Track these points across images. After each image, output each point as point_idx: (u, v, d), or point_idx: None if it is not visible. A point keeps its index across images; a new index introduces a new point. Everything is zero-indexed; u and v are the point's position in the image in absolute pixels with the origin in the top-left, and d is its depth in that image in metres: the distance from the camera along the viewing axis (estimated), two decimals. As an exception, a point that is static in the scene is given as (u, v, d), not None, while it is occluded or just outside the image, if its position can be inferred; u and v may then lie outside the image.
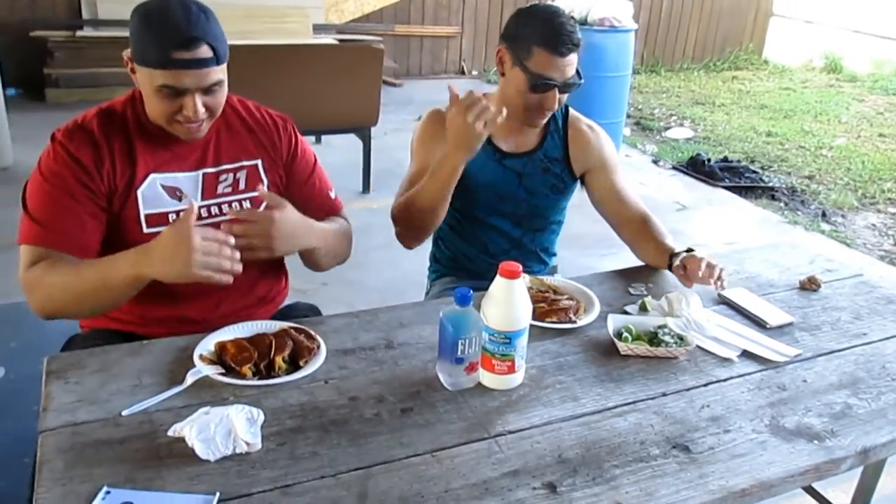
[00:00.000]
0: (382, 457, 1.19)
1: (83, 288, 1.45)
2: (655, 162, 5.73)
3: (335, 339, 1.50)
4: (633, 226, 1.92)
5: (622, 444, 1.26)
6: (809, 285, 1.85)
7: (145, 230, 1.55)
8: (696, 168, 5.43)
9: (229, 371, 1.36)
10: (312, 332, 1.48)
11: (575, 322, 1.60)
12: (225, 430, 1.17)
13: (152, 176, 1.56)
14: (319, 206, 1.80)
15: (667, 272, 1.83)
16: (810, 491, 2.00)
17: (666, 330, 1.55)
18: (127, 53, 1.49)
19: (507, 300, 1.32)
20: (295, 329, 1.48)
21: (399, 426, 1.26)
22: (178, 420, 1.20)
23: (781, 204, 5.00)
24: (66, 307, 1.49)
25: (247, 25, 6.21)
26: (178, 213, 1.57)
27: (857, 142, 6.41)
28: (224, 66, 1.50)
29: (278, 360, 1.38)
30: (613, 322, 1.57)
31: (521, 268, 1.33)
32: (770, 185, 5.24)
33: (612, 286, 1.80)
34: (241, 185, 1.65)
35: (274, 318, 1.69)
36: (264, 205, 1.52)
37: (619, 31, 5.26)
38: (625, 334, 1.54)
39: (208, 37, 1.44)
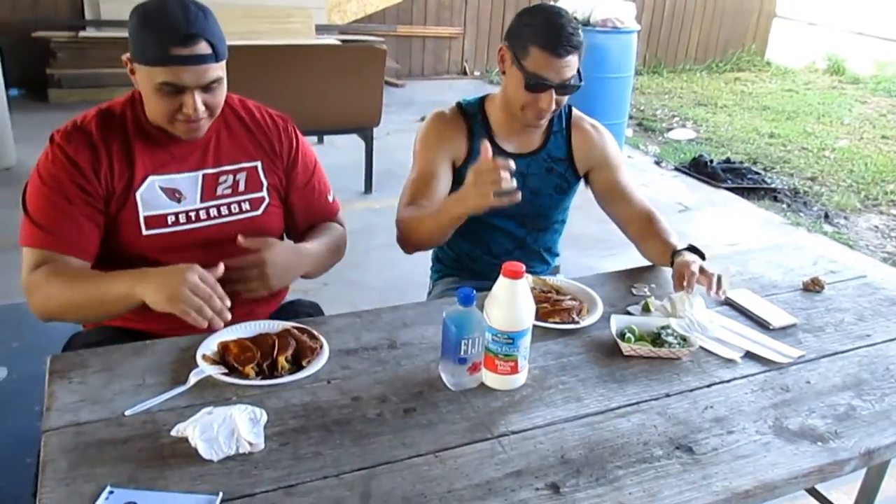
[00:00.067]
0: (385, 457, 1.19)
1: (81, 299, 1.47)
2: (658, 163, 5.72)
3: (338, 338, 1.50)
4: (639, 223, 1.92)
5: (625, 445, 1.26)
6: (813, 287, 1.85)
7: (144, 232, 1.55)
8: (699, 169, 5.42)
9: (232, 371, 1.36)
10: (315, 332, 1.48)
11: (578, 322, 1.60)
12: (228, 430, 1.17)
13: (151, 178, 1.56)
14: (317, 210, 1.81)
15: (669, 273, 1.82)
16: (813, 493, 2.00)
17: (669, 331, 1.55)
18: (126, 56, 1.50)
19: (511, 300, 1.32)
20: (298, 329, 1.48)
21: (402, 426, 1.26)
22: (182, 420, 1.20)
23: (784, 205, 5.00)
24: (64, 315, 1.53)
25: (250, 26, 6.22)
26: (176, 214, 1.58)
27: (859, 144, 6.41)
28: (223, 64, 1.51)
29: (281, 359, 1.38)
30: (616, 323, 1.57)
31: (524, 268, 1.33)
32: (772, 186, 5.23)
33: (614, 287, 1.80)
34: (241, 187, 1.65)
35: (275, 315, 1.69)
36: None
37: (621, 32, 5.27)
38: (628, 335, 1.53)
39: (206, 33, 1.45)
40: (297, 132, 1.77)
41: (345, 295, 3.15)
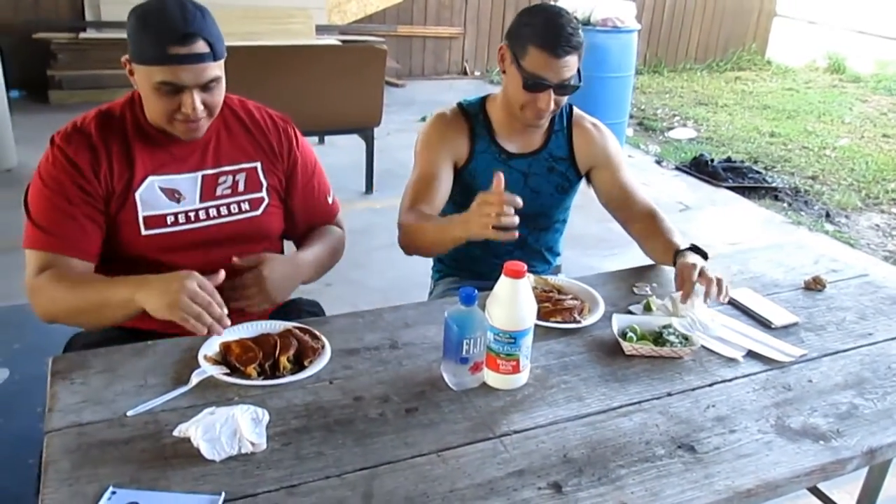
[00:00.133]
0: (387, 457, 1.19)
1: (83, 305, 1.48)
2: (658, 162, 5.72)
3: (340, 338, 1.50)
4: (642, 222, 1.91)
5: (627, 444, 1.25)
6: (814, 285, 1.85)
7: (143, 232, 1.56)
8: (700, 168, 5.42)
9: (234, 371, 1.36)
10: (317, 332, 1.48)
11: (579, 322, 1.60)
12: (230, 430, 1.17)
13: (150, 178, 1.56)
14: (316, 212, 1.81)
15: (670, 272, 1.82)
16: (815, 492, 2.00)
17: (671, 330, 1.55)
18: (125, 57, 1.50)
19: (512, 300, 1.32)
20: (299, 329, 1.48)
21: (404, 426, 1.26)
22: (184, 420, 1.20)
23: (785, 204, 5.00)
24: (67, 319, 1.54)
25: (250, 26, 6.22)
26: (176, 214, 1.58)
27: (860, 142, 6.40)
28: (221, 64, 1.51)
29: (283, 360, 1.39)
30: (618, 322, 1.57)
31: (525, 267, 1.33)
32: (773, 185, 5.23)
33: (616, 286, 1.80)
34: (241, 187, 1.66)
35: (276, 315, 1.69)
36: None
37: (622, 31, 5.26)
38: (629, 334, 1.53)
39: (204, 32, 1.45)
40: (297, 133, 1.77)
41: (346, 295, 3.15)
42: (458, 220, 1.60)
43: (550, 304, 1.63)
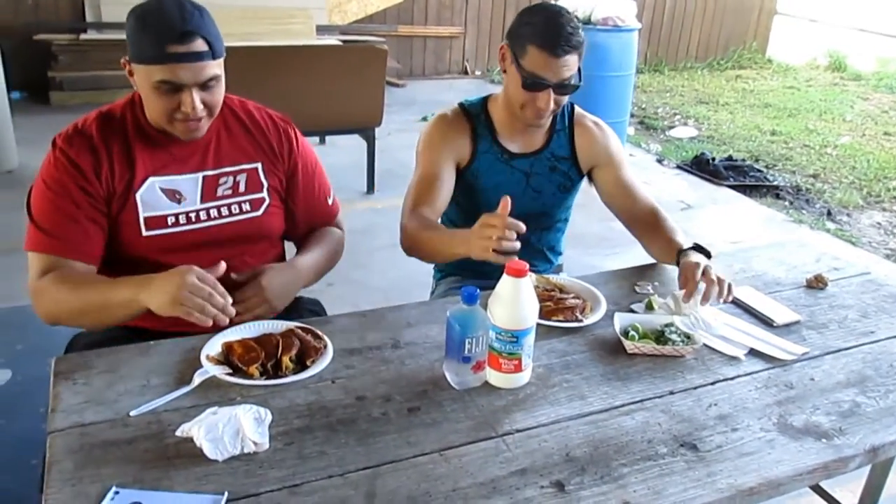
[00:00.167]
0: (390, 456, 1.19)
1: (85, 306, 1.49)
2: (659, 161, 5.72)
3: (342, 338, 1.50)
4: (644, 221, 1.91)
5: (630, 443, 1.26)
6: (816, 283, 1.85)
7: (144, 233, 1.56)
8: (701, 167, 5.42)
9: (236, 371, 1.36)
10: (319, 332, 1.48)
11: (581, 321, 1.60)
12: (233, 429, 1.17)
13: (151, 179, 1.57)
14: (317, 212, 1.82)
15: (672, 271, 1.82)
16: (818, 490, 2.00)
17: (673, 328, 1.55)
18: (124, 58, 1.51)
19: (514, 299, 1.32)
20: (302, 329, 1.48)
21: (406, 425, 1.26)
22: (186, 420, 1.20)
23: (786, 203, 4.99)
24: (70, 320, 1.55)
25: (250, 27, 6.22)
26: (176, 215, 1.58)
27: (861, 140, 6.40)
28: (220, 62, 1.51)
29: (285, 359, 1.39)
30: (620, 321, 1.57)
31: (527, 266, 1.33)
32: (775, 183, 5.23)
33: (618, 285, 1.80)
34: (241, 188, 1.66)
35: (278, 314, 1.69)
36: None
37: (622, 30, 5.26)
38: (631, 333, 1.53)
39: (203, 31, 1.46)
40: (298, 133, 1.77)
41: (347, 295, 3.15)
42: (460, 239, 1.57)
43: (552, 303, 1.63)
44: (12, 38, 6.03)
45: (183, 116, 1.49)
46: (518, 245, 1.45)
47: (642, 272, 1.87)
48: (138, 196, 1.55)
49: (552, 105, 1.78)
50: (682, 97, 7.79)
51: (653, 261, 1.91)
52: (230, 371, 1.36)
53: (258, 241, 1.71)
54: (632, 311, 1.67)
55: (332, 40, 6.79)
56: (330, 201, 1.85)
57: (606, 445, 1.25)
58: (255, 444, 1.17)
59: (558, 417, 1.31)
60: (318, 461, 1.17)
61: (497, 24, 8.18)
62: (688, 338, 1.53)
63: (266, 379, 1.36)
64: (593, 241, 3.73)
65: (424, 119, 6.20)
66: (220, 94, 1.54)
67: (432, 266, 2.21)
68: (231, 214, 1.64)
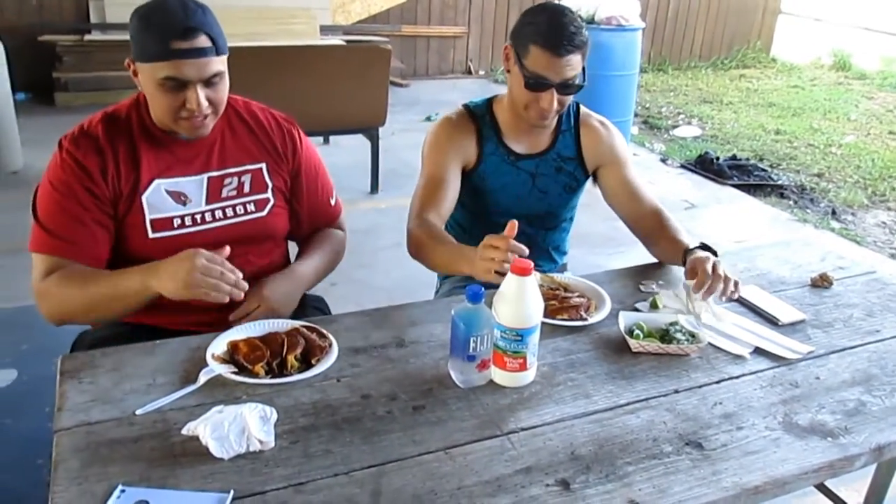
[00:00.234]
0: (395, 454, 1.19)
1: (94, 300, 1.50)
2: (663, 160, 5.72)
3: (347, 337, 1.50)
4: (648, 221, 1.91)
5: (635, 442, 1.25)
6: (821, 282, 1.85)
7: (150, 235, 1.56)
8: (705, 166, 5.42)
9: (242, 370, 1.37)
10: (324, 331, 1.48)
11: (586, 319, 1.60)
12: (238, 428, 1.17)
13: (157, 181, 1.57)
14: (320, 213, 1.83)
15: (677, 270, 1.82)
16: (823, 489, 1.99)
17: (677, 327, 1.55)
18: (128, 59, 1.51)
19: (519, 297, 1.32)
20: (307, 327, 1.49)
21: (412, 424, 1.26)
22: (192, 419, 1.20)
23: (791, 202, 4.98)
24: (79, 317, 1.56)
25: (254, 27, 6.23)
26: (182, 217, 1.59)
27: (866, 139, 6.38)
28: (224, 59, 1.52)
29: (290, 358, 1.39)
30: (625, 319, 1.57)
31: (532, 265, 1.32)
32: (779, 183, 5.22)
33: (622, 284, 1.80)
34: (246, 189, 1.66)
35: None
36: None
37: (626, 29, 5.26)
38: (636, 331, 1.53)
39: (206, 27, 1.47)
40: (302, 134, 1.78)
41: (351, 294, 3.16)
42: (465, 258, 1.56)
43: (557, 302, 1.63)
44: (17, 39, 6.04)
45: (188, 114, 1.50)
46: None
47: (647, 271, 1.87)
48: (144, 198, 1.56)
49: (556, 105, 1.77)
50: (685, 96, 7.78)
51: (658, 260, 1.91)
52: (235, 370, 1.36)
53: (263, 242, 1.71)
54: (636, 309, 1.66)
55: (336, 40, 6.80)
56: (333, 202, 1.86)
57: (611, 444, 1.25)
58: (260, 442, 1.17)
59: (563, 416, 1.31)
60: (324, 459, 1.17)
61: (500, 24, 8.18)
62: (693, 336, 1.53)
63: (271, 377, 1.36)
64: (598, 240, 3.72)
65: (428, 119, 6.20)
66: (224, 91, 1.55)
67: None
68: (236, 215, 1.65)
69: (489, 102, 1.96)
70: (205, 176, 1.62)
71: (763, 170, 5.41)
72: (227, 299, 1.41)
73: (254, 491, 1.10)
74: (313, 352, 1.42)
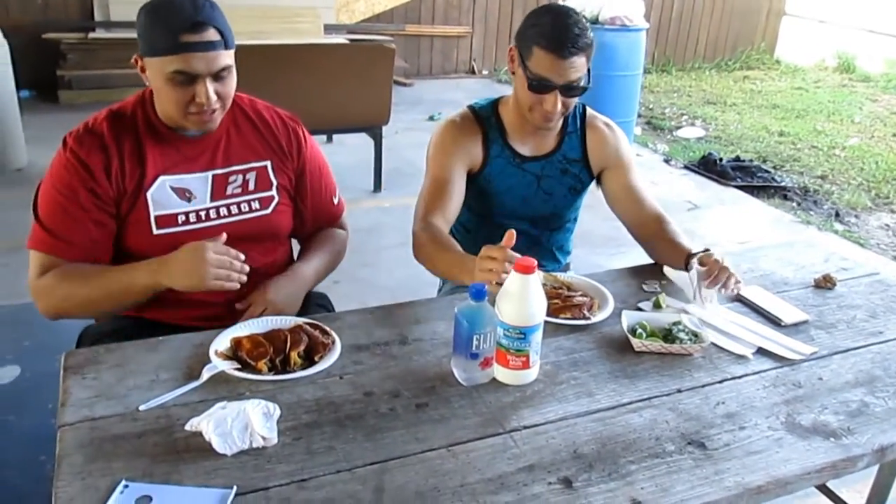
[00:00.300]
0: (398, 451, 1.19)
1: (99, 296, 1.52)
2: (667, 161, 5.71)
3: (350, 334, 1.50)
4: (649, 226, 1.90)
5: (637, 440, 1.26)
6: (824, 283, 1.85)
7: (155, 231, 1.57)
8: (708, 167, 5.41)
9: (245, 366, 1.37)
10: (327, 328, 1.48)
11: (589, 318, 1.60)
12: (241, 424, 1.17)
13: (161, 178, 1.57)
14: (323, 211, 1.83)
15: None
16: (825, 490, 1.99)
17: (680, 327, 1.54)
18: (135, 56, 1.52)
19: (522, 295, 1.32)
20: (310, 324, 1.49)
21: (414, 421, 1.27)
22: (195, 415, 1.21)
23: (794, 204, 4.98)
24: (80, 312, 1.58)
25: (258, 25, 6.24)
26: (187, 214, 1.59)
27: (870, 142, 6.37)
28: (232, 53, 1.53)
29: (293, 355, 1.39)
30: (628, 318, 1.57)
31: (535, 263, 1.32)
32: (782, 184, 5.21)
33: (625, 283, 1.80)
34: (251, 186, 1.67)
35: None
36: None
37: (630, 30, 5.26)
38: (639, 331, 1.53)
39: (214, 21, 1.47)
40: (306, 133, 1.78)
41: (355, 293, 3.16)
42: (465, 268, 1.55)
43: (560, 301, 1.63)
44: (21, 37, 6.05)
45: (197, 108, 1.50)
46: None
47: (650, 271, 1.87)
48: (149, 195, 1.56)
49: (560, 107, 1.75)
50: (689, 97, 7.78)
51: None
52: (239, 366, 1.37)
53: (267, 240, 1.72)
54: (639, 309, 1.66)
55: (340, 39, 6.80)
56: (335, 201, 1.86)
57: (614, 442, 1.25)
58: (263, 438, 1.17)
59: (566, 414, 1.31)
60: (327, 456, 1.17)
61: (504, 24, 8.18)
62: (696, 336, 1.53)
63: (274, 374, 1.36)
64: (600, 240, 3.72)
65: (431, 118, 6.20)
66: (232, 85, 1.55)
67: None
68: (241, 213, 1.65)
69: (494, 104, 1.95)
70: (210, 173, 1.62)
71: (766, 171, 5.40)
72: (237, 286, 1.48)
73: (256, 487, 1.10)
74: (316, 349, 1.42)
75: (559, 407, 1.33)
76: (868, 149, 6.15)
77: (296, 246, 1.86)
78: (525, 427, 1.27)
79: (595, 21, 5.15)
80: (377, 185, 4.73)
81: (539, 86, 1.73)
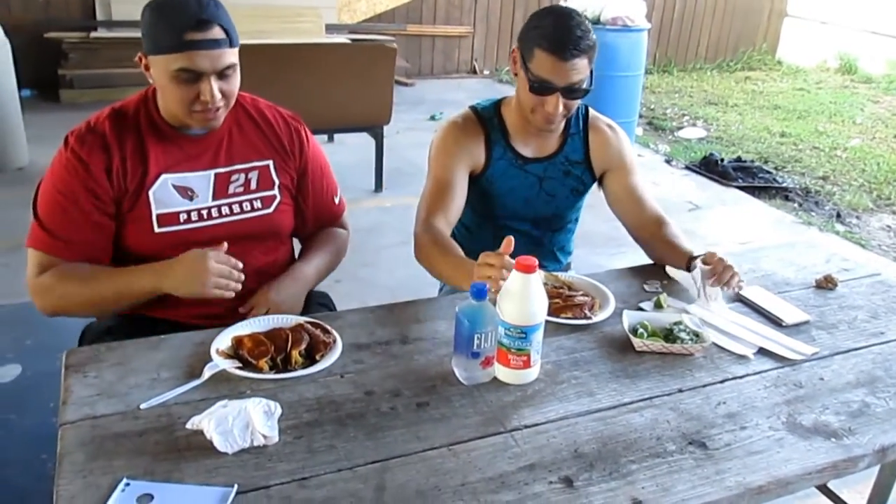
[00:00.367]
0: (399, 450, 1.19)
1: (97, 297, 1.53)
2: (668, 161, 5.71)
3: (351, 333, 1.50)
4: (649, 228, 1.90)
5: (638, 440, 1.26)
6: (826, 284, 1.84)
7: (156, 230, 1.57)
8: (709, 168, 5.41)
9: (246, 365, 1.37)
10: (328, 327, 1.49)
11: (590, 318, 1.60)
12: (243, 422, 1.18)
13: (164, 176, 1.57)
14: (324, 211, 1.84)
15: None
16: (826, 491, 1.99)
17: (682, 326, 1.54)
18: (139, 55, 1.52)
19: (523, 294, 1.32)
20: (311, 323, 1.49)
21: (415, 420, 1.27)
22: (197, 413, 1.21)
23: (795, 204, 4.97)
24: (79, 312, 1.59)
25: (260, 25, 6.25)
26: (188, 212, 1.59)
27: (871, 143, 6.37)
28: (236, 51, 1.53)
29: (295, 354, 1.39)
30: (629, 318, 1.57)
31: (536, 262, 1.32)
32: (784, 185, 5.21)
33: (626, 283, 1.80)
34: (253, 185, 1.67)
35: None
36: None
37: (631, 30, 5.26)
38: (640, 331, 1.53)
39: (219, 19, 1.48)
40: (308, 132, 1.78)
41: (355, 292, 3.15)
42: (465, 274, 1.54)
43: (561, 301, 1.63)
44: (23, 36, 6.06)
45: (202, 106, 1.50)
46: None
47: (651, 271, 1.87)
48: (151, 193, 1.56)
49: (561, 109, 1.75)
50: (691, 98, 7.78)
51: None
52: (240, 365, 1.37)
53: (268, 239, 1.72)
54: (640, 309, 1.66)
55: (342, 39, 6.81)
56: (337, 200, 1.86)
57: (615, 442, 1.25)
58: (264, 437, 1.17)
59: (567, 414, 1.31)
60: (328, 455, 1.17)
61: (506, 24, 8.18)
62: (697, 336, 1.53)
63: (275, 373, 1.36)
64: (600, 240, 3.72)
65: (432, 118, 6.20)
66: (236, 83, 1.55)
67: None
68: (242, 212, 1.65)
69: (497, 105, 1.94)
70: (212, 172, 1.62)
71: (768, 172, 5.40)
72: (233, 295, 1.49)
73: (257, 485, 1.10)
74: (317, 347, 1.42)
75: (560, 406, 1.33)
76: (870, 150, 6.15)
77: (296, 245, 1.86)
78: (526, 426, 1.27)
79: (597, 21, 5.16)
80: (378, 185, 4.73)
81: (540, 88, 1.73)
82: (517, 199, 1.94)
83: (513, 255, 1.93)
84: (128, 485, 1.08)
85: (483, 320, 1.33)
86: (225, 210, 1.63)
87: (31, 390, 2.50)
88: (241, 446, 1.16)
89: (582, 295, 1.67)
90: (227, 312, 1.58)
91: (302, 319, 1.51)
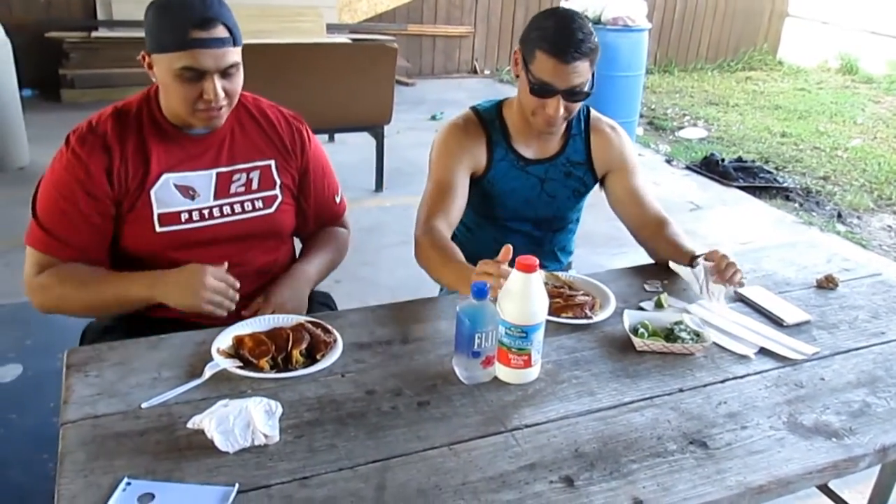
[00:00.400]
0: (400, 449, 1.19)
1: (95, 301, 1.53)
2: (669, 162, 5.71)
3: (351, 333, 1.50)
4: (651, 228, 1.90)
5: (639, 440, 1.26)
6: (827, 284, 1.84)
7: (157, 229, 1.57)
8: (710, 168, 5.41)
9: (247, 364, 1.37)
10: (329, 326, 1.49)
11: (591, 318, 1.60)
12: (244, 422, 1.18)
13: (165, 176, 1.57)
14: (325, 211, 1.84)
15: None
16: (826, 491, 1.99)
17: (682, 326, 1.54)
18: (142, 53, 1.51)
19: (524, 294, 1.32)
20: (312, 323, 1.49)
21: (416, 419, 1.27)
22: (198, 412, 1.21)
23: (796, 205, 4.97)
24: (72, 313, 1.59)
25: (261, 25, 6.24)
26: (190, 212, 1.59)
27: (872, 143, 6.37)
28: (239, 50, 1.53)
29: (295, 353, 1.39)
30: (629, 318, 1.57)
31: (537, 262, 1.32)
32: (784, 185, 5.21)
33: (627, 283, 1.80)
34: (255, 185, 1.67)
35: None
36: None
37: (632, 30, 5.26)
38: (641, 330, 1.53)
39: (223, 18, 1.48)
40: (310, 132, 1.78)
41: (355, 292, 3.16)
42: (462, 277, 1.54)
43: (562, 300, 1.63)
44: (24, 36, 6.06)
45: (205, 105, 1.50)
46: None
47: (651, 270, 1.87)
48: (153, 192, 1.56)
49: (562, 112, 1.74)
50: (691, 98, 7.78)
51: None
52: (241, 364, 1.37)
53: (269, 239, 1.72)
54: (641, 308, 1.67)
55: (342, 39, 6.81)
56: (338, 200, 1.86)
57: (616, 441, 1.25)
58: (265, 436, 1.17)
59: (567, 413, 1.31)
60: (328, 454, 1.17)
61: (507, 24, 8.18)
62: (697, 336, 1.53)
63: (276, 372, 1.36)
64: (601, 240, 3.72)
65: (433, 118, 6.20)
66: (239, 82, 1.55)
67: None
68: (244, 211, 1.65)
69: (498, 106, 1.94)
70: (214, 171, 1.62)
71: (769, 172, 5.40)
72: (225, 314, 1.49)
73: (258, 485, 1.10)
74: (318, 347, 1.42)
75: (561, 406, 1.33)
76: (870, 150, 6.14)
77: (297, 245, 1.87)
78: (527, 426, 1.27)
79: (597, 21, 5.16)
80: (379, 185, 4.73)
81: (541, 90, 1.72)
82: (518, 200, 1.94)
83: (513, 256, 1.95)
84: (129, 484, 1.08)
85: (484, 320, 1.33)
86: (226, 210, 1.63)
87: (31, 390, 2.51)
88: (241, 445, 1.16)
89: (583, 294, 1.67)
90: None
91: (303, 319, 1.51)
